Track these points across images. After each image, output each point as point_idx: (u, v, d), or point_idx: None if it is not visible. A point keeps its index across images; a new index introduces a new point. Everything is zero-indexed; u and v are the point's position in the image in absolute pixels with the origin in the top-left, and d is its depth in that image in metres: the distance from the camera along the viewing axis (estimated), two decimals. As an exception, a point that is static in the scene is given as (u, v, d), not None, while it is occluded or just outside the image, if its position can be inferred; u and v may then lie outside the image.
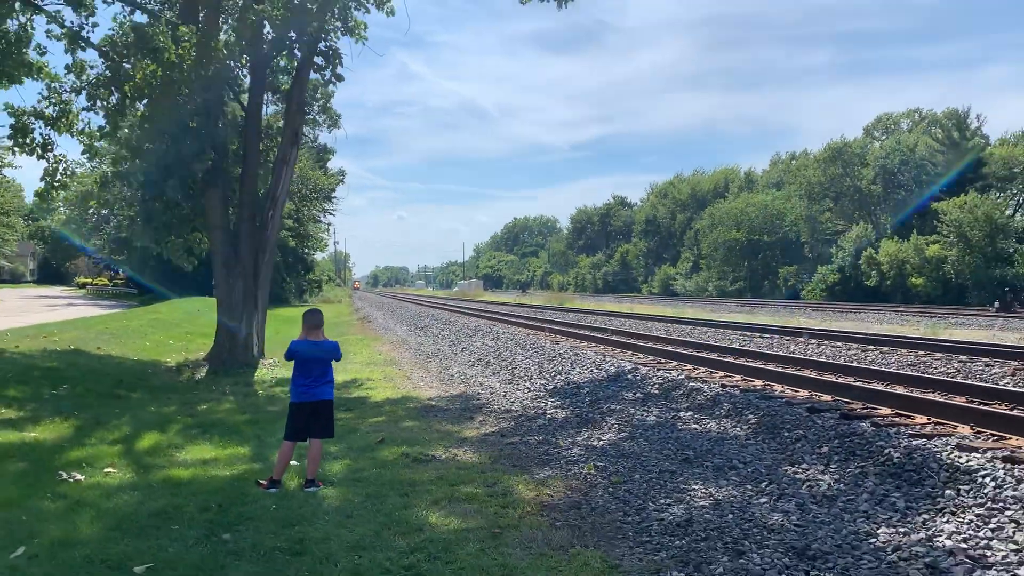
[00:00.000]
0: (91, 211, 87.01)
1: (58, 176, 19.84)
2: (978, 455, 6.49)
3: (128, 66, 15.87)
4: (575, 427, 9.91)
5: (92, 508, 6.50)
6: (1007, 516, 5.39)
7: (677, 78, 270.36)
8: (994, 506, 5.58)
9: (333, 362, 7.63)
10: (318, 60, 16.46)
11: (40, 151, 18.71)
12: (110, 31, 17.73)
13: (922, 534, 5.37)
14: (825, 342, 17.89)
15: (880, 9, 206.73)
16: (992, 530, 5.26)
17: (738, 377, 11.47)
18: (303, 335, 7.57)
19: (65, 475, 7.50)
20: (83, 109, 18.82)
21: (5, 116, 16.67)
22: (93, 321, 27.00)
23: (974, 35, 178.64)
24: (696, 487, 6.85)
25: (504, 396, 12.79)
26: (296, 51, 16.83)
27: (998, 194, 61.18)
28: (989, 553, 4.94)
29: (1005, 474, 5.97)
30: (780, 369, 11.70)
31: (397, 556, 5.27)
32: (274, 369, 17.03)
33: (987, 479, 5.98)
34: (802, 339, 18.66)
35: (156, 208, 16.78)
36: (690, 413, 9.64)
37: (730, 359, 13.51)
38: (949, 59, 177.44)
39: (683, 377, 11.55)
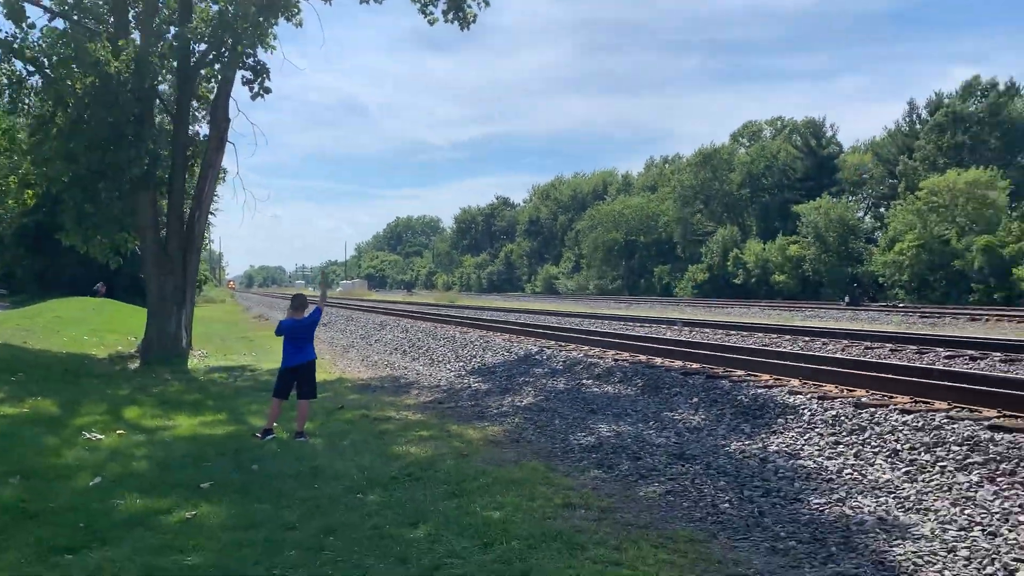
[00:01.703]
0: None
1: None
2: (802, 396, 9.01)
3: (52, 76, 16.87)
4: (498, 395, 12.02)
5: (129, 455, 8.09)
6: (815, 432, 7.87)
7: (558, 80, 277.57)
8: (808, 426, 8.06)
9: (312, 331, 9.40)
10: (246, 74, 17.85)
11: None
12: (41, 41, 18.58)
13: (760, 444, 7.78)
14: (696, 329, 20.70)
15: (748, 18, 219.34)
16: (805, 439, 7.72)
17: (627, 354, 13.86)
18: (289, 314, 9.35)
19: (87, 435, 8.98)
20: (7, 113, 19.59)
21: None
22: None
23: (831, 47, 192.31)
24: (602, 427, 9.10)
25: (430, 376, 14.76)
26: (221, 65, 18.12)
27: (850, 197, 67.31)
28: (800, 451, 7.39)
29: (817, 406, 8.49)
30: (659, 347, 14.17)
31: (394, 471, 7.22)
32: (205, 359, 18.33)
33: (805, 411, 8.48)
34: (676, 327, 21.44)
35: (87, 210, 17.69)
36: (591, 381, 11.92)
37: (618, 341, 15.92)
38: (810, 69, 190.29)
39: (582, 356, 13.85)
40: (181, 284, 18.10)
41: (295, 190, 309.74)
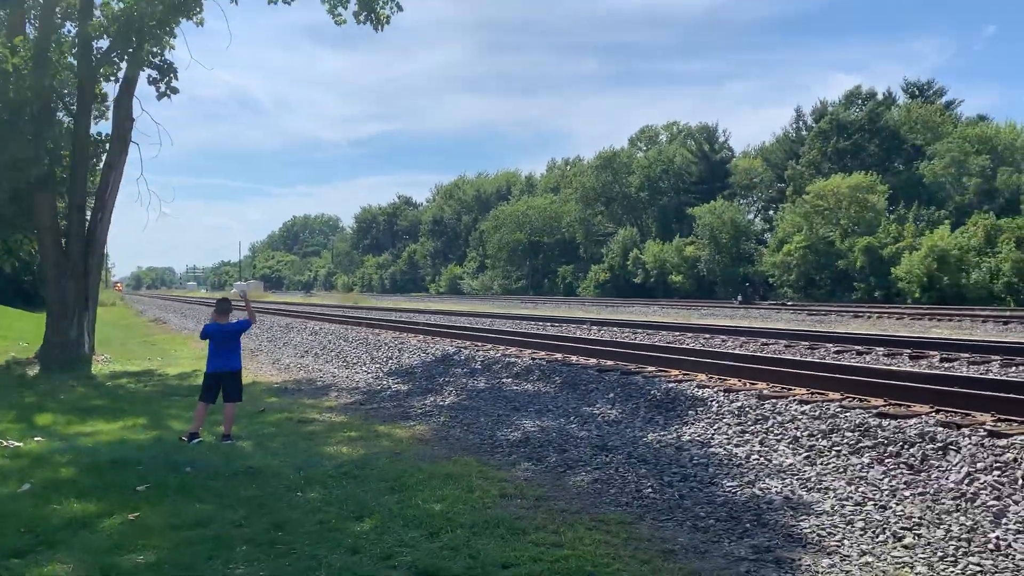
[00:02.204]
0: None
1: None
2: (709, 390, 9.66)
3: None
4: (420, 395, 12.29)
5: (54, 461, 8.00)
6: (723, 421, 8.51)
7: (456, 79, 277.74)
8: (716, 417, 8.70)
9: (243, 336, 9.46)
10: (152, 73, 17.46)
11: None
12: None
13: (674, 434, 8.36)
14: (604, 328, 21.45)
15: (642, 22, 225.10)
16: (715, 429, 8.35)
17: (543, 353, 14.35)
18: (213, 319, 9.38)
19: (4, 442, 8.78)
20: None
21: None
22: None
23: (722, 52, 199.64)
24: (526, 422, 9.52)
25: (347, 378, 14.87)
26: (124, 64, 17.68)
27: (741, 200, 70.27)
28: (711, 440, 8.00)
29: (724, 398, 9.15)
30: (573, 346, 14.73)
31: (330, 470, 7.43)
32: (109, 364, 17.85)
33: (713, 403, 9.12)
34: (585, 326, 22.15)
35: (-22, 210, 16.98)
36: (511, 379, 12.34)
37: (532, 340, 16.41)
38: (701, 73, 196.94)
39: (499, 355, 14.26)
40: (83, 288, 17.55)
41: (184, 187, 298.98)
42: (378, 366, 15.78)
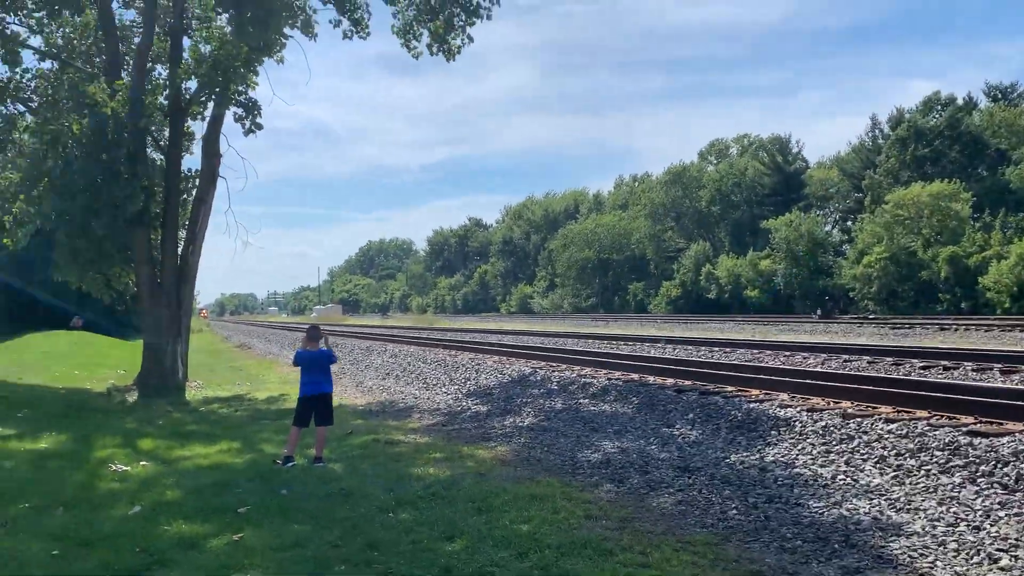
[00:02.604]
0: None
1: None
2: (792, 410, 9.61)
3: (46, 116, 17.24)
4: (499, 416, 12.51)
5: (159, 484, 8.47)
6: (807, 441, 8.47)
7: (523, 101, 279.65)
8: (800, 437, 8.66)
9: (332, 367, 9.87)
10: (238, 110, 18.30)
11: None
12: (31, 81, 18.94)
13: (756, 456, 8.36)
14: (679, 347, 21.35)
15: (708, 36, 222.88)
16: (799, 449, 8.31)
17: (619, 373, 14.42)
18: (304, 345, 9.80)
19: (113, 466, 9.34)
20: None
21: None
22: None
23: (793, 62, 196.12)
24: (606, 444, 9.63)
25: (427, 399, 15.21)
26: (211, 104, 18.57)
27: (817, 212, 68.86)
28: (795, 460, 7.98)
29: (807, 418, 9.09)
30: (649, 366, 14.76)
31: (419, 491, 7.68)
32: (201, 390, 18.62)
33: (796, 423, 9.07)
34: (660, 345, 22.08)
35: (81, 246, 17.97)
36: (587, 400, 12.46)
37: (608, 361, 16.47)
38: (772, 84, 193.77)
39: (575, 375, 14.39)
40: (176, 317, 18.41)
41: (264, 216, 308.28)
42: (457, 387, 16.08)
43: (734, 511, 6.71)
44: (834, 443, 8.22)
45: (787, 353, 17.53)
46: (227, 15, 17.06)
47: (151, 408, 15.87)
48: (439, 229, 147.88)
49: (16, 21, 18.30)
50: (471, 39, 19.03)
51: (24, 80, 18.68)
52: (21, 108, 18.79)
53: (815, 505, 6.70)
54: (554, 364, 16.81)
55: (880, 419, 8.52)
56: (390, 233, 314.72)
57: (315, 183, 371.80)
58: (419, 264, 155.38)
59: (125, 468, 9.33)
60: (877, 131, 63.48)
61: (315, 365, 9.72)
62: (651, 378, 13.47)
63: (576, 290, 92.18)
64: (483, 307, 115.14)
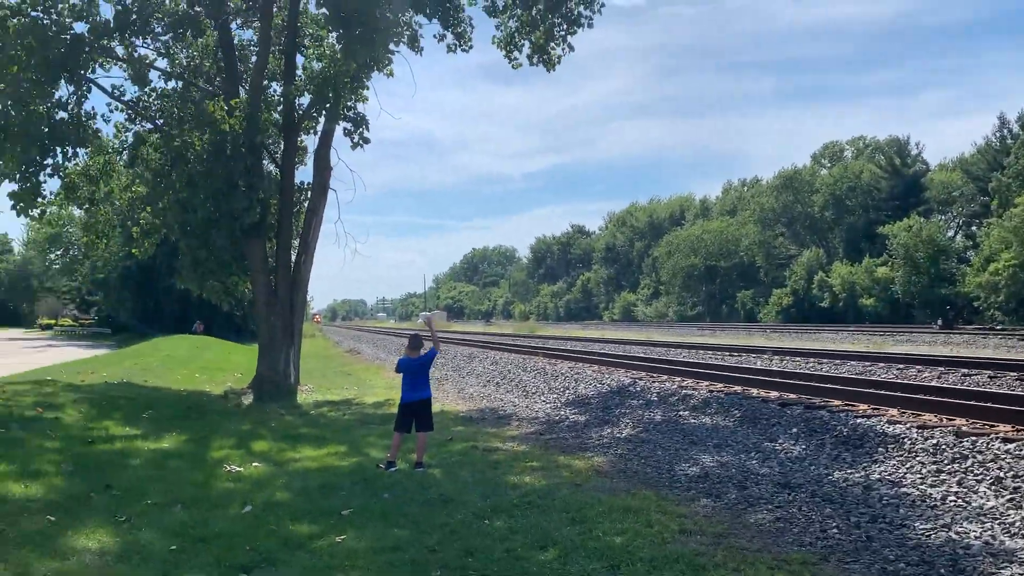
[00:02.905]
0: (59, 254, 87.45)
1: (98, 228, 22.18)
2: (901, 426, 9.25)
3: (171, 133, 18.35)
4: (597, 426, 12.52)
5: (270, 485, 8.90)
6: (916, 460, 8.14)
7: (627, 107, 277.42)
8: (909, 455, 8.32)
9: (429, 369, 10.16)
10: (347, 125, 19.01)
11: (88, 206, 21.02)
12: (156, 100, 20.19)
13: (861, 473, 8.09)
14: (787, 358, 20.77)
15: (822, 36, 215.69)
16: (907, 468, 8.00)
17: (720, 385, 14.19)
18: (407, 353, 10.11)
19: (227, 467, 9.87)
20: (125, 166, 21.24)
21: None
22: (112, 359, 28.95)
23: (911, 61, 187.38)
24: (704, 457, 9.51)
25: (526, 408, 15.35)
26: (322, 119, 19.35)
27: (939, 217, 65.57)
28: (903, 479, 7.68)
29: (917, 435, 8.73)
30: (754, 378, 14.45)
31: (515, 498, 7.81)
32: (312, 394, 19.36)
33: (906, 440, 8.73)
34: (766, 356, 21.54)
35: (202, 256, 19.03)
36: (688, 412, 12.31)
37: (710, 372, 16.21)
38: (889, 84, 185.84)
39: (676, 387, 14.24)
40: (289, 323, 19.22)
41: (371, 225, 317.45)
42: (556, 396, 16.16)
43: (834, 530, 6.53)
44: (945, 462, 7.87)
45: (900, 366, 16.81)
46: (336, 34, 17.72)
47: (265, 411, 16.62)
48: (541, 236, 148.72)
49: (144, 44, 19.57)
50: (571, 48, 19.16)
51: (151, 99, 19.93)
52: (149, 125, 20.04)
53: (922, 527, 6.44)
54: (655, 375, 16.67)
55: (997, 438, 8.10)
56: (493, 241, 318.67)
57: (420, 192, 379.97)
58: (522, 271, 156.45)
59: (239, 469, 9.83)
60: (1005, 131, 59.96)
61: (416, 372, 10.00)
62: (754, 390, 13.19)
63: (681, 298, 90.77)
64: (586, 315, 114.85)
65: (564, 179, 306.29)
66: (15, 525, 6.70)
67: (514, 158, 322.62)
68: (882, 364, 17.52)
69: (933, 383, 13.46)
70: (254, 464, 10.20)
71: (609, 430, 12.08)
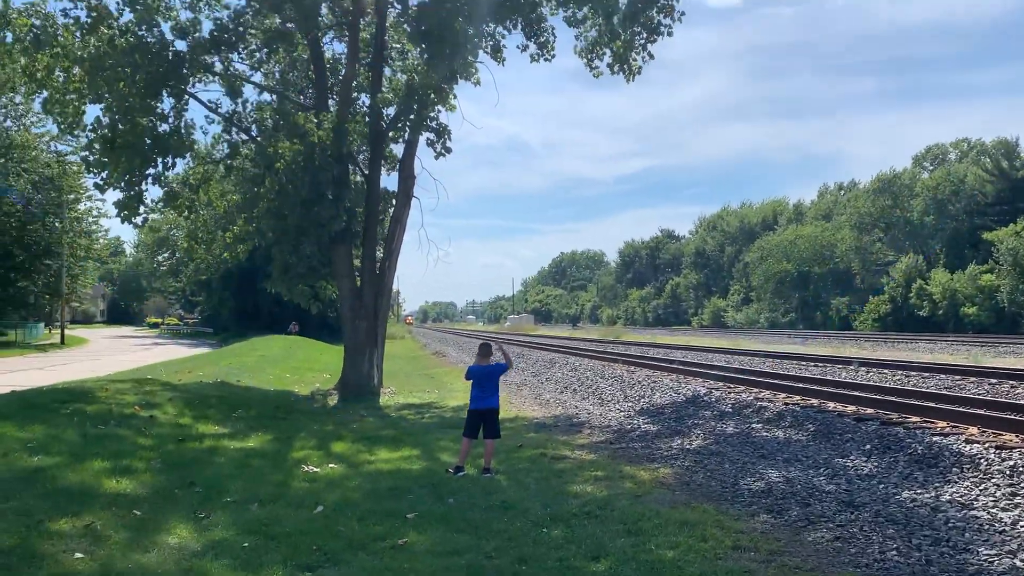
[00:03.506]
0: (166, 256, 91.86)
1: (198, 234, 23.36)
2: (979, 446, 8.97)
3: (263, 144, 19.20)
4: (667, 436, 12.52)
5: (343, 486, 9.30)
6: (991, 482, 7.90)
7: (721, 109, 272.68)
8: (984, 476, 8.09)
9: (501, 377, 10.40)
10: (430, 135, 19.52)
11: (187, 212, 22.16)
12: (251, 112, 21.16)
13: (932, 493, 7.91)
14: (873, 369, 20.17)
15: (928, 35, 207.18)
16: (980, 489, 7.78)
17: (797, 397, 13.95)
18: (477, 360, 10.38)
19: (305, 467, 10.34)
20: (222, 177, 22.31)
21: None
22: (210, 358, 30.39)
23: (1021, 60, 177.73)
24: (771, 472, 9.43)
25: (600, 415, 15.43)
26: (408, 129, 19.91)
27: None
28: (974, 502, 7.48)
29: (995, 456, 8.46)
30: (833, 391, 14.15)
31: (575, 508, 7.96)
32: (394, 396, 19.92)
33: (982, 461, 8.47)
34: (852, 367, 20.96)
35: (291, 261, 19.86)
36: (760, 425, 12.18)
37: (789, 384, 15.92)
38: (998, 84, 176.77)
39: (751, 398, 14.08)
40: (373, 327, 19.83)
41: (462, 228, 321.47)
42: (630, 404, 16.17)
43: (894, 552, 6.43)
44: (1022, 486, 7.61)
45: (993, 380, 16.12)
46: (419, 48, 18.22)
47: (348, 412, 17.21)
48: (630, 241, 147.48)
49: (240, 59, 20.56)
50: (651, 56, 19.14)
51: (245, 111, 20.91)
52: (243, 136, 21.03)
53: (986, 552, 6.28)
54: (732, 385, 16.49)
55: (1080, 463, 7.79)
56: (582, 244, 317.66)
57: (511, 196, 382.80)
58: (610, 276, 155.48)
59: (316, 469, 10.29)
60: None
61: (485, 380, 10.26)
62: (831, 404, 12.93)
63: (773, 304, 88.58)
64: (674, 320, 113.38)
65: (656, 183, 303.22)
66: (104, 519, 7.24)
67: (605, 161, 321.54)
68: (973, 378, 16.83)
69: (1021, 401, 12.88)
70: (331, 465, 10.64)
71: (679, 441, 12.06)
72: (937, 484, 8.21)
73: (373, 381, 19.82)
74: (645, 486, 9.01)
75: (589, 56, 20.09)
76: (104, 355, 39.84)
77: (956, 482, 8.16)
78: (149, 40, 18.38)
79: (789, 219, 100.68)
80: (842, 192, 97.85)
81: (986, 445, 8.94)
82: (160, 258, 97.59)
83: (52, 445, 9.96)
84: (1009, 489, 7.65)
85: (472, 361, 10.88)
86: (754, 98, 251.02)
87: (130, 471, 9.12)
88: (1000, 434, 9.52)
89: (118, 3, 18.23)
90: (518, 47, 20.03)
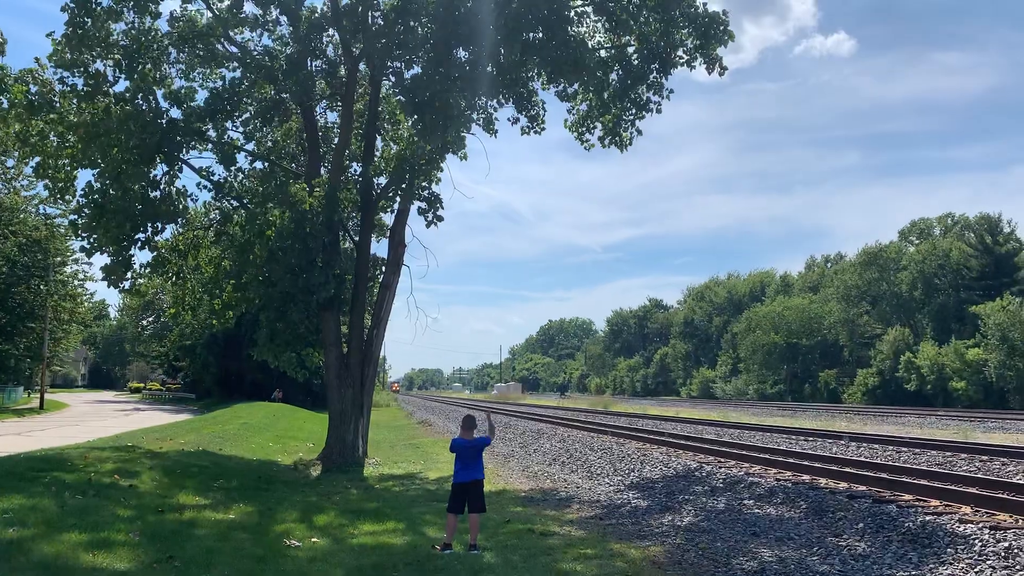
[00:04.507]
0: (150, 320, 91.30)
1: (185, 299, 23.24)
2: (972, 526, 8.84)
3: (254, 211, 19.29)
4: (658, 512, 12.30)
5: (325, 562, 9.04)
6: (987, 563, 7.76)
7: (708, 180, 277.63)
8: (979, 558, 7.94)
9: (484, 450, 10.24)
10: (421, 204, 19.69)
11: (175, 279, 22.10)
12: (243, 180, 21.32)
13: (927, 575, 7.73)
14: (864, 444, 20.03)
15: (912, 111, 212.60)
16: (976, 572, 7.63)
17: (789, 473, 13.79)
18: (461, 434, 10.23)
19: (287, 541, 10.07)
20: (212, 243, 22.32)
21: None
22: (193, 425, 29.91)
23: (1005, 135, 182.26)
24: (764, 551, 9.24)
25: (589, 489, 15.19)
26: (398, 198, 20.09)
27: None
28: (971, 585, 7.33)
29: (990, 537, 8.34)
30: (824, 467, 14.00)
31: (564, 589, 7.74)
32: (379, 467, 19.58)
33: (976, 541, 8.34)
34: (843, 442, 20.82)
35: (279, 328, 19.74)
36: (752, 501, 12.00)
37: (780, 459, 15.76)
38: (980, 160, 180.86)
39: (742, 473, 13.91)
40: (359, 395, 19.61)
41: (450, 294, 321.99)
42: (620, 478, 15.94)
43: (891, 639, 6.26)
44: (1018, 568, 7.47)
45: (984, 458, 16.02)
46: (411, 119, 18.49)
47: (331, 483, 16.87)
48: (618, 310, 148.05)
49: (234, 128, 20.79)
50: (640, 132, 19.50)
51: (238, 180, 21.06)
52: (235, 203, 21.12)
53: (986, 640, 6.12)
54: (722, 459, 16.31)
55: (1076, 545, 7.67)
56: (570, 312, 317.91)
57: (501, 263, 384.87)
58: (598, 344, 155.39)
59: (298, 544, 10.02)
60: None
61: (469, 453, 10.10)
62: (823, 480, 12.79)
63: (762, 376, 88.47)
64: (663, 390, 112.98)
65: (644, 252, 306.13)
66: (78, 595, 6.99)
67: (594, 229, 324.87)
68: (965, 455, 16.73)
69: (1017, 478, 12.77)
70: (313, 539, 10.37)
71: (670, 517, 11.85)
72: (932, 565, 8.06)
73: (358, 451, 19.50)
74: (636, 565, 8.80)
75: (580, 130, 20.47)
76: (84, 420, 39.14)
77: (951, 563, 8.00)
78: (144, 108, 18.58)
79: (776, 290, 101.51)
80: (829, 264, 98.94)
81: (980, 525, 8.82)
82: (144, 322, 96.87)
83: (28, 516, 9.66)
84: (1004, 571, 7.51)
85: (458, 432, 10.73)
86: (740, 170, 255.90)
87: (108, 544, 8.84)
88: (994, 514, 9.40)
89: (114, 72, 18.49)
90: (508, 120, 20.37)
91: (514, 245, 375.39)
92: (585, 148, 20.93)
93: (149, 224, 19.35)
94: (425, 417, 49.67)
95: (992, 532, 8.48)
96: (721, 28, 17.98)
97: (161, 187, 19.69)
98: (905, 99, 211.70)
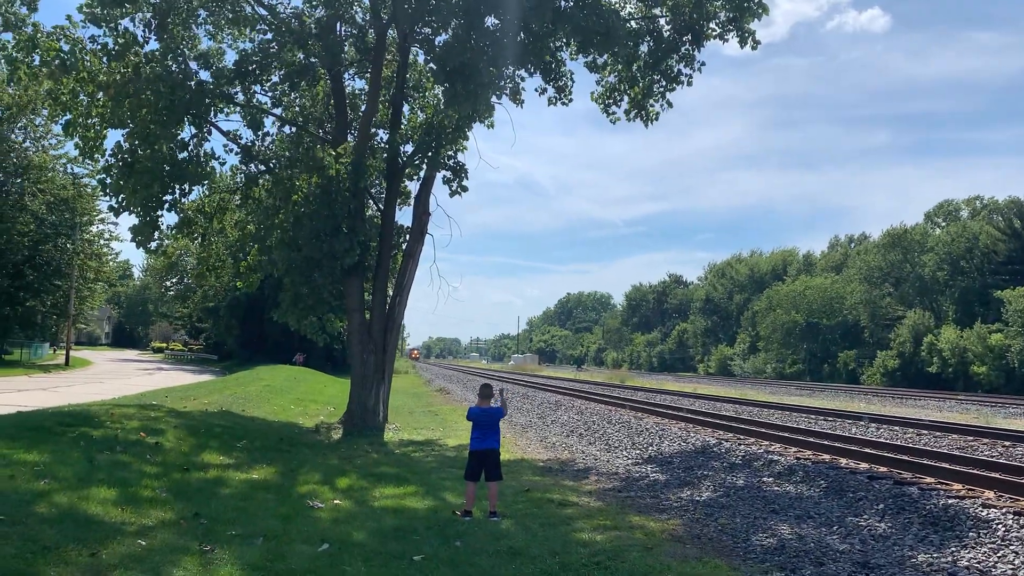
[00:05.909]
0: (174, 281, 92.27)
1: (210, 261, 23.42)
2: (996, 510, 8.81)
3: (281, 176, 19.33)
4: (676, 487, 12.35)
5: (348, 524, 9.17)
6: (1010, 549, 7.74)
7: (734, 157, 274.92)
8: (1002, 543, 7.92)
9: (501, 422, 10.33)
10: (447, 173, 19.65)
11: (200, 240, 22.27)
12: (272, 146, 21.35)
13: (949, 558, 7.74)
14: (884, 426, 19.96)
15: (944, 90, 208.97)
16: (998, 556, 7.61)
17: (809, 452, 13.79)
18: (478, 403, 10.31)
19: (311, 503, 10.22)
20: (238, 206, 22.43)
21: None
22: (215, 386, 30.30)
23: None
24: (783, 528, 9.27)
25: (607, 462, 15.26)
26: (424, 166, 20.05)
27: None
28: (992, 569, 7.32)
29: (1013, 522, 8.31)
30: (844, 447, 13.98)
31: (584, 558, 7.81)
32: (398, 432, 19.77)
33: (1000, 526, 8.31)
34: (862, 423, 20.75)
35: (303, 292, 19.87)
36: (771, 479, 12.02)
37: (799, 437, 15.75)
38: (1011, 142, 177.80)
39: (761, 451, 13.92)
40: (381, 361, 19.74)
41: (469, 264, 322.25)
42: (638, 452, 16.00)
43: (912, 619, 6.28)
44: (1041, 555, 7.46)
45: (1007, 443, 15.93)
46: (441, 88, 18.39)
47: (352, 447, 17.06)
48: (637, 284, 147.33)
49: (262, 92, 20.79)
50: (670, 104, 19.27)
51: (265, 144, 21.08)
52: (262, 167, 21.17)
53: (1007, 624, 6.13)
54: (741, 436, 16.32)
55: (1101, 533, 7.63)
56: (589, 286, 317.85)
57: (522, 235, 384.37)
58: (616, 319, 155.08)
59: (320, 505, 10.17)
60: None
61: (485, 422, 10.18)
62: (843, 460, 12.78)
63: (780, 355, 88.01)
64: (680, 366, 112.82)
65: (666, 227, 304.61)
66: (109, 548, 7.14)
67: (616, 204, 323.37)
68: (987, 440, 16.65)
69: (1039, 465, 12.69)
70: (336, 501, 10.52)
71: (688, 492, 11.90)
72: (954, 549, 8.05)
73: (378, 416, 19.67)
74: (655, 537, 8.85)
75: (606, 102, 20.25)
76: (108, 379, 39.74)
77: (973, 547, 8.00)
78: (173, 69, 18.60)
79: (798, 269, 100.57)
80: (852, 244, 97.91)
81: (1003, 510, 8.79)
82: (168, 283, 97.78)
83: (58, 469, 9.86)
84: (1029, 557, 7.49)
85: (475, 400, 10.82)
86: (768, 147, 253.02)
87: (136, 500, 9.01)
88: (1018, 499, 9.37)
89: (144, 32, 18.50)
90: (536, 90, 20.20)
91: (535, 217, 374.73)
92: (611, 121, 20.72)
93: (177, 186, 19.45)
94: (443, 385, 49.99)
95: (1016, 517, 8.46)
96: (755, 1, 17.70)
97: (189, 149, 19.77)
98: (937, 78, 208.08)
